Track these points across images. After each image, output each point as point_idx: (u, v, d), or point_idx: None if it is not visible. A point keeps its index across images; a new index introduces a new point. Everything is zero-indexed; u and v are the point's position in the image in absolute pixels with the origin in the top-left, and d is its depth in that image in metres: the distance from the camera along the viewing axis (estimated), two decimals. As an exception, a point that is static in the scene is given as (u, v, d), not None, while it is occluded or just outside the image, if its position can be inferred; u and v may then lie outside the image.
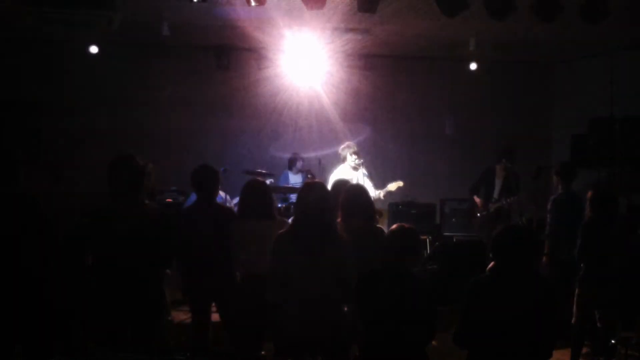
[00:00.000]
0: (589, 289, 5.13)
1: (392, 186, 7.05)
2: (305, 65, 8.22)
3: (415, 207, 8.20)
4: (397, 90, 9.77)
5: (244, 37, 7.79)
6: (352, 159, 6.84)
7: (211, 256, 4.52)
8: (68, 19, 6.02)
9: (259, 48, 8.60)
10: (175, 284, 4.86)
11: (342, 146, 7.01)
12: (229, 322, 4.68)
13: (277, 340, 4.41)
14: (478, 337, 3.23)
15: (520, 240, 3.27)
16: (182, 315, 5.90)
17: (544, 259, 6.03)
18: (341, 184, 4.85)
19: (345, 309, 3.73)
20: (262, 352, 4.59)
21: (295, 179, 8.35)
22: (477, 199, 7.63)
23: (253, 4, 5.22)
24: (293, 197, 7.67)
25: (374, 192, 6.54)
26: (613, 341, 5.13)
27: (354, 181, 6.01)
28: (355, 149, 6.90)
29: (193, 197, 5.86)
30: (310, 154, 8.74)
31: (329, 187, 4.83)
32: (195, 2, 5.71)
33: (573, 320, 5.24)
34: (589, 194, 5.28)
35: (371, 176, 7.16)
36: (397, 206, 8.15)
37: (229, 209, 5.22)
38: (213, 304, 4.78)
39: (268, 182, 7.34)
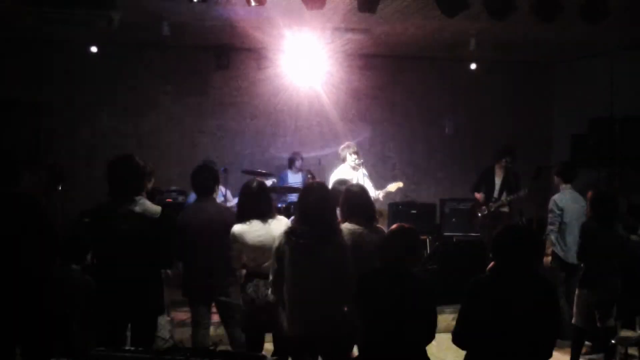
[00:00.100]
0: (589, 289, 5.14)
1: (392, 187, 7.05)
2: (305, 65, 8.20)
3: (415, 207, 8.21)
4: (397, 90, 9.78)
5: (243, 37, 7.79)
6: (352, 159, 6.83)
7: (211, 256, 4.53)
8: (68, 19, 6.02)
9: (259, 48, 8.61)
10: (175, 284, 4.86)
11: (342, 146, 7.00)
12: (229, 322, 4.69)
13: (278, 340, 4.42)
14: (478, 337, 3.22)
15: (520, 240, 3.27)
16: (182, 315, 5.90)
17: (545, 259, 6.04)
18: (341, 184, 4.85)
19: (345, 309, 3.73)
20: (262, 352, 4.58)
21: (294, 178, 8.36)
22: (478, 195, 7.62)
23: (253, 4, 5.21)
24: (293, 197, 7.67)
25: (373, 192, 6.53)
26: (613, 341, 5.14)
27: (354, 181, 6.00)
28: (355, 149, 6.89)
29: (193, 197, 5.86)
30: (310, 154, 8.75)
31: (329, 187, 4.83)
32: (195, 2, 5.70)
33: (573, 320, 5.25)
34: (589, 194, 5.29)
35: (371, 176, 7.16)
36: (397, 206, 8.16)
37: (229, 209, 5.23)
38: (213, 304, 4.79)
39: (270, 182, 7.35)
